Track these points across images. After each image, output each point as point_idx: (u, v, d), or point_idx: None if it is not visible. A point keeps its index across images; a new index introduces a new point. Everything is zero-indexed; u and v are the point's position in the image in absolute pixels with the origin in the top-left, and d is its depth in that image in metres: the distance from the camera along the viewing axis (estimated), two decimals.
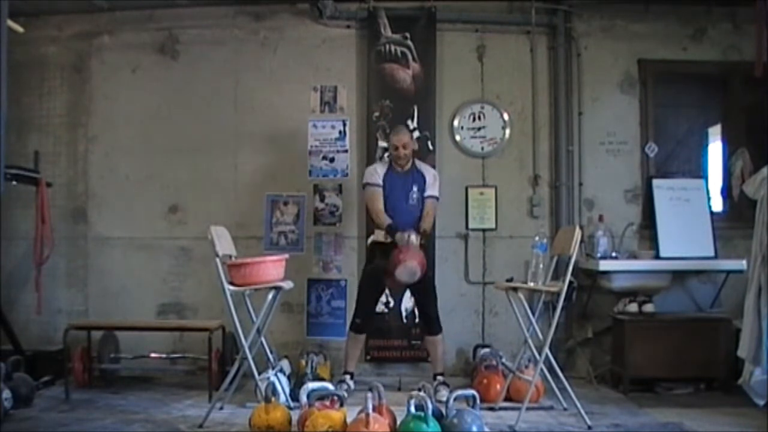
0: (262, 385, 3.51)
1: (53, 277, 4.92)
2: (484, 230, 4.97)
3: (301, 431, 3.13)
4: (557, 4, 4.95)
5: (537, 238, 3.92)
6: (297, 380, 4.13)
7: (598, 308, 4.82)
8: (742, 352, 3.87)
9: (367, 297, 4.30)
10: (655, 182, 4.89)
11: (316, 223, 4.91)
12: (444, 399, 3.33)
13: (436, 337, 4.25)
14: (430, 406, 3.04)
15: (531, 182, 5.00)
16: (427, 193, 4.30)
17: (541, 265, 3.85)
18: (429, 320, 4.27)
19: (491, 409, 3.87)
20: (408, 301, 4.72)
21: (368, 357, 4.81)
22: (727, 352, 4.21)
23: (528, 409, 3.66)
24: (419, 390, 3.19)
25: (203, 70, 5.06)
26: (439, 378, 4.22)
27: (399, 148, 4.26)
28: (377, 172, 4.30)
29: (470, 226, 4.96)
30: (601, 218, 4.77)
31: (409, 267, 3.92)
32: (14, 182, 4.24)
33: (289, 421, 3.30)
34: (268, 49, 5.06)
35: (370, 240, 4.39)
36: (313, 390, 3.24)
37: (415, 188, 4.25)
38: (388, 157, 4.48)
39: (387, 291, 4.66)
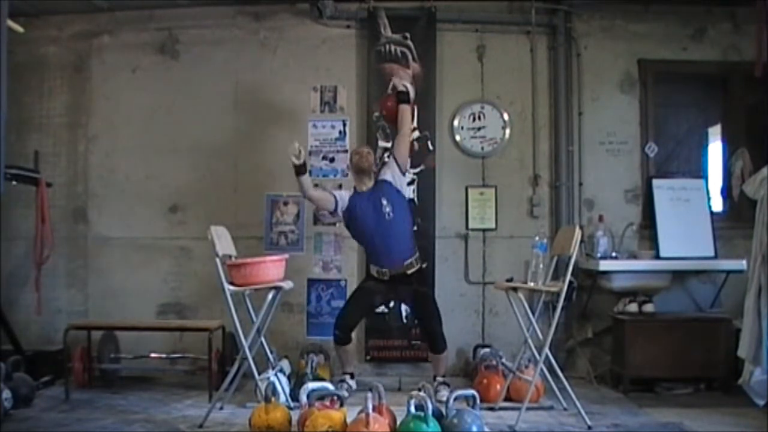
0: (262, 385, 3.52)
1: (53, 277, 4.92)
2: (484, 230, 4.97)
3: (301, 431, 3.13)
4: (557, 4, 4.95)
5: (537, 238, 3.92)
6: (297, 380, 4.13)
7: (598, 308, 4.82)
8: (742, 352, 3.87)
9: (353, 312, 4.25)
10: (655, 182, 4.89)
11: (316, 223, 4.91)
12: (444, 399, 3.33)
13: (441, 355, 4.21)
14: (430, 406, 3.04)
15: (531, 182, 5.00)
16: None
17: (541, 265, 3.85)
18: (432, 337, 4.20)
19: (491, 409, 3.87)
20: None
21: (368, 357, 4.82)
22: (727, 352, 4.21)
23: (528, 409, 3.66)
24: (419, 390, 3.19)
25: (203, 70, 5.06)
26: (439, 378, 4.21)
27: (362, 156, 4.17)
28: (342, 193, 4.22)
29: (470, 226, 4.96)
30: (601, 218, 4.77)
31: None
32: (14, 182, 4.24)
33: (289, 421, 3.30)
34: (268, 49, 5.06)
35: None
36: (313, 390, 3.24)
37: (384, 201, 4.12)
38: (349, 165, 4.41)
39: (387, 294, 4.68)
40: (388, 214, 4.12)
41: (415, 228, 4.48)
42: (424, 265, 4.33)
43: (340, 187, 4.59)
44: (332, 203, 4.18)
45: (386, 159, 4.49)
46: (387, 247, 4.14)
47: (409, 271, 4.18)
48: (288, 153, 4.03)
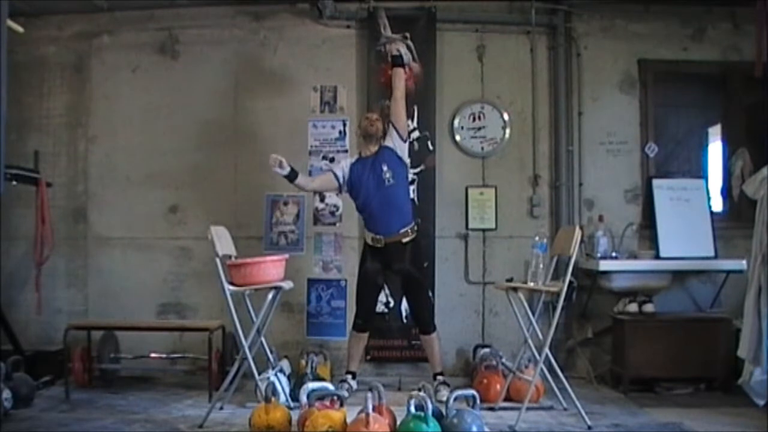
0: (262, 385, 3.52)
1: (53, 277, 4.93)
2: (484, 230, 4.97)
3: (301, 431, 3.13)
4: (557, 4, 4.95)
5: (537, 238, 3.92)
6: (297, 380, 4.13)
7: (598, 308, 4.82)
8: (742, 352, 3.88)
9: (366, 296, 4.30)
10: (655, 182, 4.89)
11: (316, 223, 4.91)
12: (444, 399, 3.33)
13: (431, 336, 4.24)
14: (430, 406, 3.04)
15: (531, 182, 5.00)
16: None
17: (541, 265, 3.85)
18: (421, 319, 4.27)
19: (491, 409, 3.87)
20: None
21: (368, 357, 4.81)
22: (727, 352, 4.21)
23: (528, 409, 3.66)
24: (419, 390, 3.19)
25: (203, 70, 5.06)
26: (439, 378, 4.22)
27: (371, 122, 4.23)
28: (342, 164, 4.27)
29: (470, 226, 4.96)
30: (601, 218, 4.77)
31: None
32: (14, 182, 4.24)
33: (289, 421, 3.30)
34: (268, 49, 5.06)
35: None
36: (313, 390, 3.24)
37: (384, 167, 4.14)
38: (357, 131, 4.43)
39: (387, 291, 4.68)
40: (388, 180, 4.13)
41: (415, 228, 4.46)
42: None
43: (332, 160, 4.58)
44: (335, 181, 4.23)
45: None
46: (384, 213, 4.15)
47: (404, 240, 4.17)
48: (270, 167, 4.03)
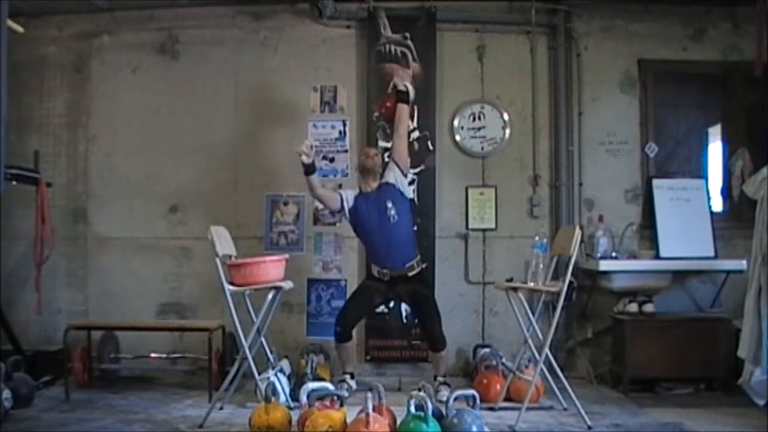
0: (262, 385, 3.52)
1: (53, 277, 4.92)
2: (484, 230, 4.97)
3: (301, 431, 3.13)
4: (557, 4, 4.95)
5: (537, 238, 3.92)
6: (297, 380, 4.13)
7: (598, 308, 4.82)
8: (742, 352, 3.88)
9: (352, 308, 4.24)
10: (655, 182, 4.89)
11: (316, 223, 4.91)
12: (444, 399, 3.33)
13: (441, 354, 4.21)
14: (430, 406, 3.04)
15: (531, 182, 5.00)
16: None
17: (541, 265, 3.85)
18: (432, 337, 4.19)
19: (491, 409, 3.87)
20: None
21: (368, 357, 4.82)
22: (727, 352, 4.21)
23: (528, 409, 3.66)
24: (419, 390, 3.19)
25: (203, 70, 5.06)
26: (440, 378, 4.21)
27: (368, 156, 4.26)
28: (348, 193, 4.26)
29: (470, 226, 4.96)
30: (601, 218, 4.78)
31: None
32: (14, 182, 4.23)
33: (289, 421, 3.31)
34: (268, 49, 5.06)
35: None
36: (313, 390, 3.24)
37: (389, 204, 4.15)
38: (356, 170, 4.42)
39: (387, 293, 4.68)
40: (393, 217, 4.14)
41: (415, 228, 4.47)
42: (424, 265, 4.35)
43: (340, 186, 4.60)
44: (338, 202, 4.23)
45: (386, 159, 4.49)
46: (389, 249, 4.17)
47: (410, 273, 4.20)
48: (297, 150, 4.03)
